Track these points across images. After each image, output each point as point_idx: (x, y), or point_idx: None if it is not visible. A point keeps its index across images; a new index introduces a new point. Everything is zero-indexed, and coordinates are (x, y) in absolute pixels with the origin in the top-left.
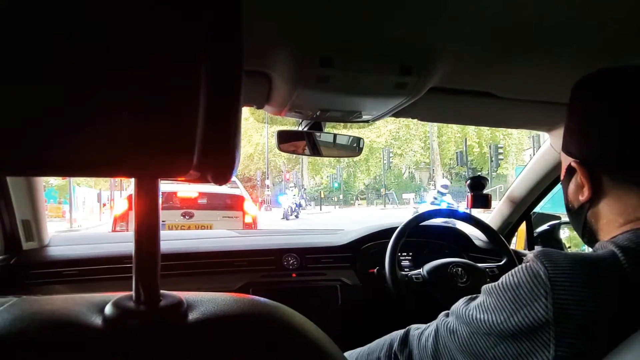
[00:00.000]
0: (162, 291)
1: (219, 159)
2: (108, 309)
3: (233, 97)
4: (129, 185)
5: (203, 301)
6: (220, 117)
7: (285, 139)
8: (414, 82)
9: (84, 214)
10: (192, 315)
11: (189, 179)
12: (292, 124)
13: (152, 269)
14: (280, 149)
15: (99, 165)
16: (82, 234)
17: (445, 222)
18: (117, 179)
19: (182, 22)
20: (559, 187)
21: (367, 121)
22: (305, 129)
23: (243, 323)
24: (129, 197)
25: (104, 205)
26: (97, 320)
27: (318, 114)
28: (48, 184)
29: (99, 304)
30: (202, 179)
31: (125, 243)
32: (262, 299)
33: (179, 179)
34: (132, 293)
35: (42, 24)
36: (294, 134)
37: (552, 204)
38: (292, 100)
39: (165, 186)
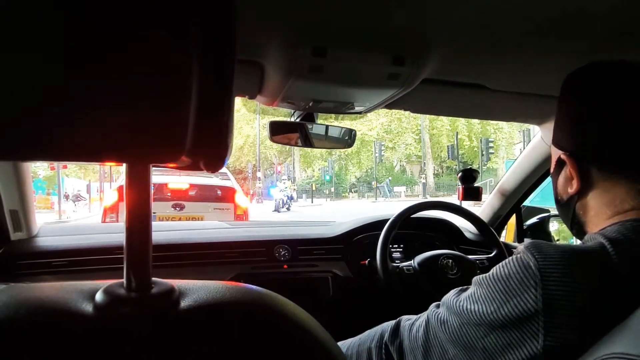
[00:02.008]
0: (153, 279)
1: (211, 146)
2: (99, 296)
3: (226, 84)
4: (119, 176)
5: (195, 289)
6: (212, 104)
7: (278, 130)
8: (406, 73)
9: (72, 205)
10: (184, 303)
11: (181, 166)
12: (283, 115)
13: (143, 256)
14: (272, 140)
15: (90, 150)
16: (72, 224)
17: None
18: (107, 170)
19: (174, 7)
20: (548, 180)
21: (359, 112)
22: (298, 120)
23: (235, 310)
24: (119, 188)
25: (67, 196)
26: (88, 307)
27: (310, 104)
28: (36, 175)
29: (90, 291)
30: (194, 166)
31: (115, 234)
32: (254, 286)
33: (170, 165)
34: (124, 280)
35: (33, 7)
36: (286, 125)
37: (541, 198)
38: (284, 91)
39: (156, 177)
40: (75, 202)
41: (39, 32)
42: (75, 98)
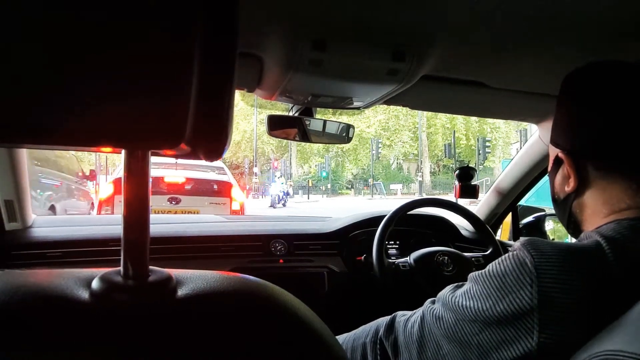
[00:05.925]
0: (151, 267)
1: (211, 135)
2: (95, 283)
3: (227, 73)
4: (115, 169)
5: (192, 278)
6: (213, 92)
7: (276, 124)
8: (406, 69)
9: None
10: (181, 291)
11: (180, 154)
12: (281, 111)
13: (141, 243)
14: (270, 134)
15: (88, 136)
16: (67, 216)
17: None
18: (102, 164)
19: None
20: (544, 180)
21: (358, 108)
22: (296, 115)
23: (233, 300)
24: (115, 181)
25: None
26: (84, 294)
27: (309, 99)
28: None
29: (86, 278)
30: (193, 155)
31: (110, 226)
32: (251, 277)
33: (169, 153)
34: (121, 268)
35: None
36: (285, 119)
37: (537, 198)
38: (283, 84)
39: (152, 171)
40: None
41: (39, 17)
42: (74, 83)
